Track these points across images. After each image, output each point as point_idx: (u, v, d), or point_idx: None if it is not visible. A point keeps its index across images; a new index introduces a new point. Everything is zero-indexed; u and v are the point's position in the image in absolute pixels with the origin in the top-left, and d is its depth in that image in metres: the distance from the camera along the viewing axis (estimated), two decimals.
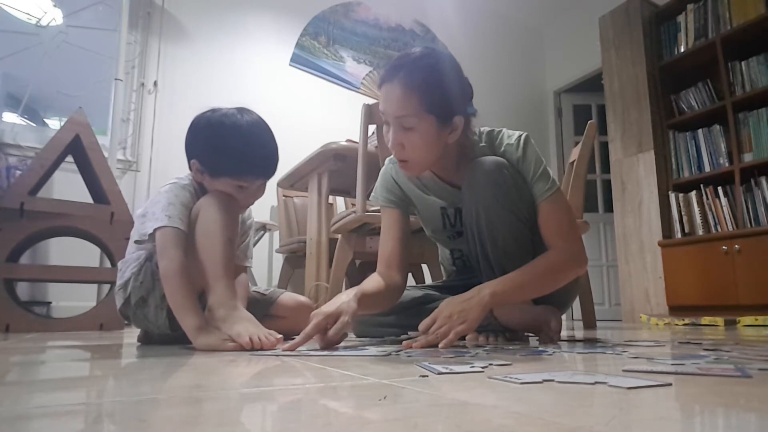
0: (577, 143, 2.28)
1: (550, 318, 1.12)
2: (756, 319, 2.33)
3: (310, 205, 2.17)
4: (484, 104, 2.09)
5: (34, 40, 2.80)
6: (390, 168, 1.29)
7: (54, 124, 3.01)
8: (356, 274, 2.54)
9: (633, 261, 3.20)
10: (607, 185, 3.89)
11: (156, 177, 2.94)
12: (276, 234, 3.23)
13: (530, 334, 1.28)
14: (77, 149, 2.26)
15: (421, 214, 1.30)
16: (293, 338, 0.96)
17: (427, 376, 0.60)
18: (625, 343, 1.10)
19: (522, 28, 4.73)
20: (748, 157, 2.88)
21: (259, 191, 1.20)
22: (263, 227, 2.89)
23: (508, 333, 1.15)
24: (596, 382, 0.52)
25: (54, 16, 2.88)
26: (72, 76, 2.98)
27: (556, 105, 4.61)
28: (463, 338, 1.12)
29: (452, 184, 1.20)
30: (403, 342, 1.00)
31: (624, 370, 0.62)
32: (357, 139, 1.89)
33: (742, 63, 2.95)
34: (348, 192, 2.52)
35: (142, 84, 3.04)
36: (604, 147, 3.72)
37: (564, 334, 1.53)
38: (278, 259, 3.21)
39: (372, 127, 1.85)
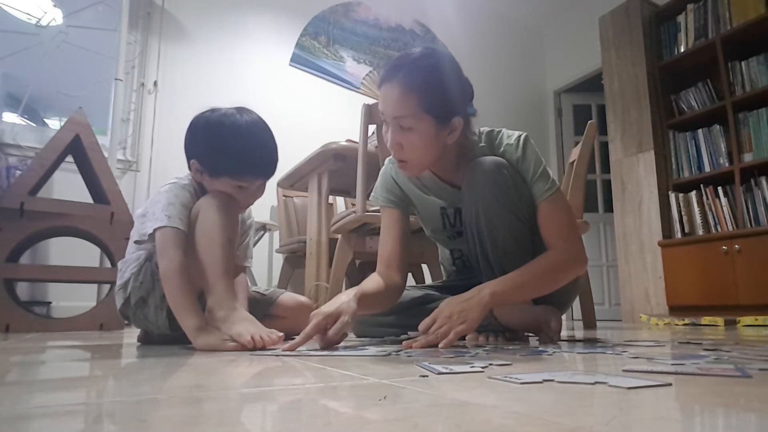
0: (577, 143, 2.28)
1: (550, 318, 1.12)
2: (756, 319, 2.33)
3: (310, 205, 2.17)
4: (484, 104, 2.08)
5: (34, 40, 2.80)
6: (390, 168, 1.29)
7: (54, 124, 3.01)
8: (356, 274, 2.53)
9: (633, 261, 3.20)
10: (607, 185, 3.89)
11: (156, 177, 2.94)
12: (276, 234, 3.23)
13: (530, 334, 1.28)
14: (77, 149, 2.26)
15: (420, 214, 1.30)
16: (293, 338, 0.96)
17: (427, 376, 0.60)
18: (625, 343, 1.10)
19: (522, 28, 4.73)
20: (748, 157, 2.88)
21: (259, 191, 1.20)
22: (263, 227, 2.89)
23: (508, 333, 1.15)
24: (596, 382, 0.52)
25: (54, 16, 2.88)
26: (72, 76, 2.98)
27: (556, 105, 4.61)
28: (463, 338, 1.12)
29: (452, 184, 1.20)
30: (403, 342, 1.00)
31: (624, 370, 0.62)
32: (357, 139, 1.89)
33: (742, 63, 2.95)
34: (348, 192, 2.52)
35: (142, 84, 3.04)
36: (604, 147, 3.72)
37: (564, 334, 1.53)
38: (278, 259, 3.21)
39: (372, 127, 1.85)
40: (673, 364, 0.66)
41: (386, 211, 1.27)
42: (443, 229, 1.27)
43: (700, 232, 2.98)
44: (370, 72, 3.83)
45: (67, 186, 2.53)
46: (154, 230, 1.09)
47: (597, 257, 4.21)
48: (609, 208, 3.84)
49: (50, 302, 2.58)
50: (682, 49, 3.21)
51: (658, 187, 3.10)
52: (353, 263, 2.51)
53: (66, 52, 2.85)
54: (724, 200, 2.93)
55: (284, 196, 3.01)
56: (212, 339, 1.00)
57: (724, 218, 2.91)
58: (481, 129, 1.18)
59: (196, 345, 1.01)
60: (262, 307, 1.35)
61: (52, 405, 0.45)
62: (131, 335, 1.68)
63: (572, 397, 0.45)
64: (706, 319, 2.41)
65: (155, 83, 3.07)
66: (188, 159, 1.17)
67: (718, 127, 3.04)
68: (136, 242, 1.19)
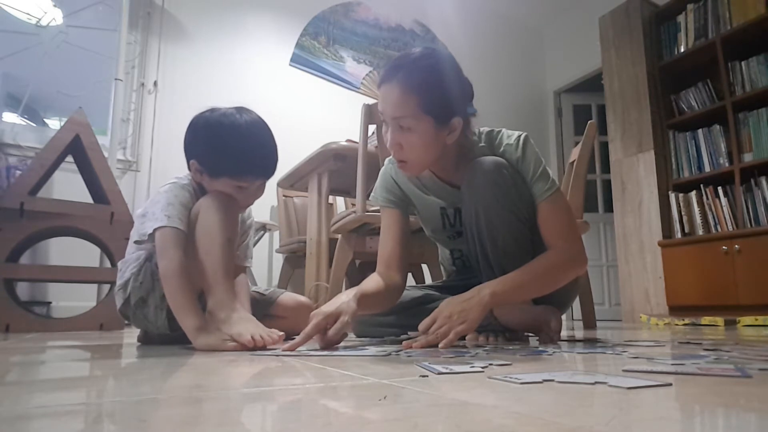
0: (577, 143, 2.28)
1: (550, 318, 1.12)
2: (756, 319, 2.33)
3: (310, 205, 2.17)
4: (484, 104, 2.09)
5: (34, 40, 2.80)
6: (390, 168, 1.29)
7: (54, 124, 3.01)
8: (356, 274, 2.54)
9: (633, 261, 3.20)
10: (607, 185, 3.89)
11: (156, 177, 2.94)
12: (276, 234, 3.23)
13: (530, 334, 1.28)
14: (77, 149, 2.26)
15: (420, 214, 1.30)
16: (293, 338, 0.96)
17: (427, 376, 0.60)
18: (625, 343, 1.10)
19: (522, 28, 4.73)
20: (748, 157, 2.88)
21: (259, 191, 1.20)
22: (263, 227, 2.89)
23: (508, 333, 1.15)
24: (596, 382, 0.52)
25: (54, 16, 2.88)
26: (72, 76, 2.98)
27: (556, 105, 4.61)
28: (463, 338, 1.12)
29: (452, 184, 1.20)
30: (403, 342, 1.00)
31: (624, 370, 0.62)
32: (357, 139, 1.89)
33: (742, 63, 2.95)
34: (348, 192, 2.52)
35: (142, 84, 3.04)
36: (604, 147, 3.72)
37: (564, 334, 1.53)
38: (278, 259, 3.21)
39: (372, 127, 1.85)
40: (673, 364, 0.66)
41: (386, 211, 1.27)
42: (443, 229, 1.27)
43: (700, 232, 2.98)
44: (370, 72, 3.83)
45: (67, 186, 2.53)
46: (154, 230, 1.09)
47: (597, 257, 4.22)
48: (609, 208, 3.84)
49: (50, 302, 2.58)
50: (682, 49, 3.21)
51: (658, 187, 3.10)
52: (353, 263, 2.51)
53: (66, 52, 2.85)
54: (724, 200, 2.93)
55: (284, 196, 3.02)
56: (212, 339, 1.00)
57: (724, 218, 2.91)
58: (481, 129, 1.18)
59: (196, 345, 1.01)
60: (262, 307, 1.35)
61: (52, 405, 0.45)
62: (131, 335, 1.68)
63: (572, 397, 0.45)
64: (706, 319, 2.41)
65: (155, 83, 3.07)
66: (188, 159, 1.17)
67: (718, 127, 3.04)
68: (135, 242, 1.19)
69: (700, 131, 3.12)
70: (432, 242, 1.41)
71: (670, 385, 0.51)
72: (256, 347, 0.98)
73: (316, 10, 3.68)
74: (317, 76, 3.63)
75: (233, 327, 1.01)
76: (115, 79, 2.84)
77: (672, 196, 3.11)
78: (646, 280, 3.11)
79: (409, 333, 1.26)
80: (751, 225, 2.80)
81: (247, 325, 1.02)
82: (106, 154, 2.40)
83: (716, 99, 3.10)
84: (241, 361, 0.80)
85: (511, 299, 1.06)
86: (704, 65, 3.18)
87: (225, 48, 3.32)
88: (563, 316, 1.22)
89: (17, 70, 2.86)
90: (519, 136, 1.13)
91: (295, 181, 2.32)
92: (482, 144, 1.16)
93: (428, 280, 2.19)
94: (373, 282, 1.14)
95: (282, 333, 1.04)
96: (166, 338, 1.21)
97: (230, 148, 1.13)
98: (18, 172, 2.42)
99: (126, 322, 1.45)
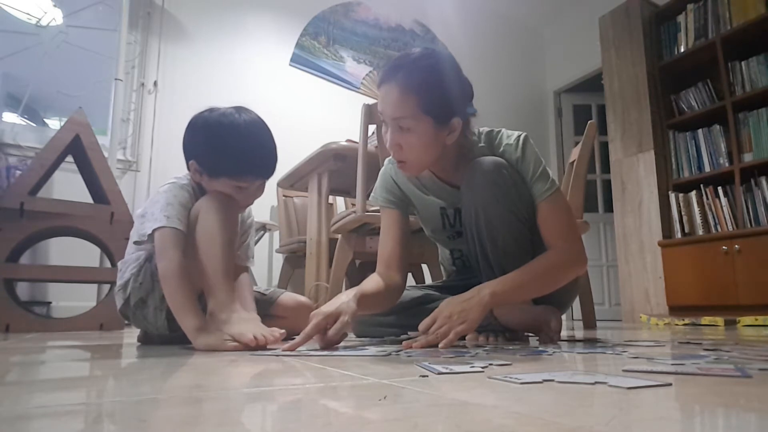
0: (577, 143, 2.28)
1: (550, 318, 1.12)
2: (756, 319, 2.33)
3: (310, 205, 2.17)
4: (484, 104, 2.08)
5: (34, 40, 2.80)
6: (389, 168, 1.29)
7: (54, 124, 3.01)
8: (356, 274, 2.54)
9: (633, 261, 3.20)
10: (607, 185, 3.89)
11: (156, 177, 2.94)
12: (276, 234, 3.23)
13: (530, 334, 1.28)
14: (77, 149, 2.26)
15: (420, 214, 1.30)
16: (293, 338, 0.96)
17: (427, 376, 0.60)
18: (625, 343, 1.10)
19: (522, 28, 4.73)
20: (748, 157, 2.88)
21: (259, 191, 1.20)
22: (263, 227, 2.89)
23: (508, 333, 1.15)
24: (596, 382, 0.52)
25: (54, 16, 2.88)
26: (72, 76, 2.98)
27: (556, 105, 4.61)
28: (463, 338, 1.12)
29: (451, 185, 1.20)
30: (403, 342, 1.00)
31: (624, 370, 0.62)
32: (357, 139, 1.89)
33: (742, 63, 2.95)
34: (348, 192, 2.52)
35: (142, 84, 3.04)
36: (604, 147, 3.72)
37: (564, 334, 1.53)
38: (278, 259, 3.21)
39: (372, 127, 1.85)
40: (673, 364, 0.66)
41: (386, 211, 1.27)
42: (443, 229, 1.27)
43: (700, 232, 2.98)
44: (370, 72, 3.83)
45: (67, 186, 2.53)
46: (153, 231, 1.09)
47: (597, 257, 4.21)
48: (609, 208, 3.84)
49: (50, 302, 2.58)
50: (682, 49, 3.21)
51: (658, 187, 3.10)
52: (353, 263, 2.51)
53: (66, 52, 2.85)
54: (724, 200, 2.93)
55: (284, 196, 3.02)
56: (212, 339, 1.00)
57: (724, 218, 2.91)
58: (481, 129, 1.18)
59: (196, 345, 1.01)
60: (262, 307, 1.34)
61: (52, 405, 0.45)
62: (131, 335, 1.68)
63: (572, 397, 0.45)
64: (706, 319, 2.41)
65: (155, 83, 3.07)
66: (187, 159, 1.17)
67: (718, 127, 3.04)
68: (135, 243, 1.19)
69: (700, 131, 3.12)
70: (432, 242, 1.41)
71: (670, 385, 0.51)
72: (258, 346, 0.97)
73: (316, 10, 3.68)
74: (317, 76, 3.63)
75: (234, 327, 1.01)
76: (115, 79, 2.84)
77: (672, 196, 3.11)
78: (646, 280, 3.11)
79: (409, 333, 1.26)
80: (751, 225, 2.80)
81: (247, 325, 1.02)
82: (106, 154, 2.40)
83: (716, 99, 3.10)
84: (241, 361, 0.80)
85: (511, 299, 1.06)
86: (704, 65, 3.18)
87: (225, 48, 3.32)
88: (563, 316, 1.22)
89: (17, 70, 2.86)
90: (519, 136, 1.13)
91: (295, 181, 2.32)
92: (482, 144, 1.16)
93: (428, 280, 2.19)
94: (373, 282, 1.14)
95: (283, 331, 1.03)
96: (166, 338, 1.21)
97: (230, 148, 1.12)
98: (18, 172, 2.42)
99: (126, 322, 1.45)
